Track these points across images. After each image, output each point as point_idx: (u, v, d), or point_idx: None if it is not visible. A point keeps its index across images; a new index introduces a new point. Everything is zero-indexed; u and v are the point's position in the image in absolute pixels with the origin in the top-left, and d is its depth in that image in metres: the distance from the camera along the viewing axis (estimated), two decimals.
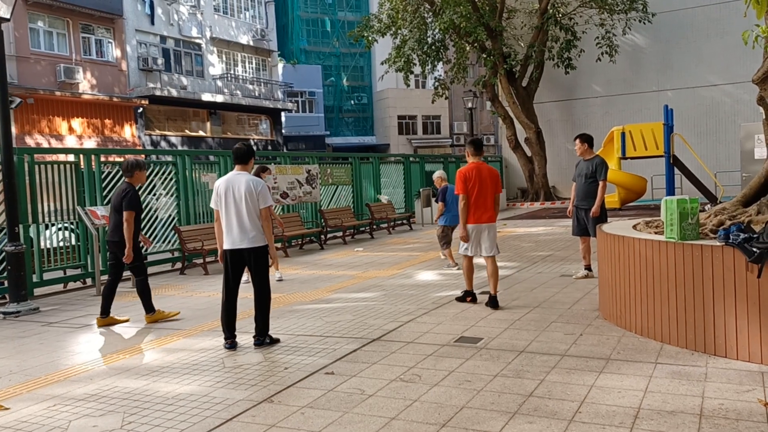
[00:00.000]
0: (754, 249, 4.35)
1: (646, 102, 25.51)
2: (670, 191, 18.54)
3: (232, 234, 5.65)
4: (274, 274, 9.63)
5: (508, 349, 5.21)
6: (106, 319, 7.08)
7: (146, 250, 10.06)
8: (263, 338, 5.73)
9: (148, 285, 7.19)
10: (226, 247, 5.71)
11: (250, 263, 5.68)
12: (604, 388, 4.19)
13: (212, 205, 5.88)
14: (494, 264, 6.88)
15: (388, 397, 4.25)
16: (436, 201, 10.50)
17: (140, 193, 10.86)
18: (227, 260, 5.72)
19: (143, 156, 17.02)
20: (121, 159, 12.76)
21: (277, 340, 5.85)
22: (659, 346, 5.04)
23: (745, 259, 4.42)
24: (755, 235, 4.48)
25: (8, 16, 7.83)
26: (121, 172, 10.96)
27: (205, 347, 5.84)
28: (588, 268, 8.35)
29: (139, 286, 7.16)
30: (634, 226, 6.24)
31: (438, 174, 10.88)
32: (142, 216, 8.23)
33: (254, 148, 28.48)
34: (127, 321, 7.18)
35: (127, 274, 7.84)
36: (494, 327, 5.98)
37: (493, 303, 6.82)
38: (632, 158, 19.92)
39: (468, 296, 7.21)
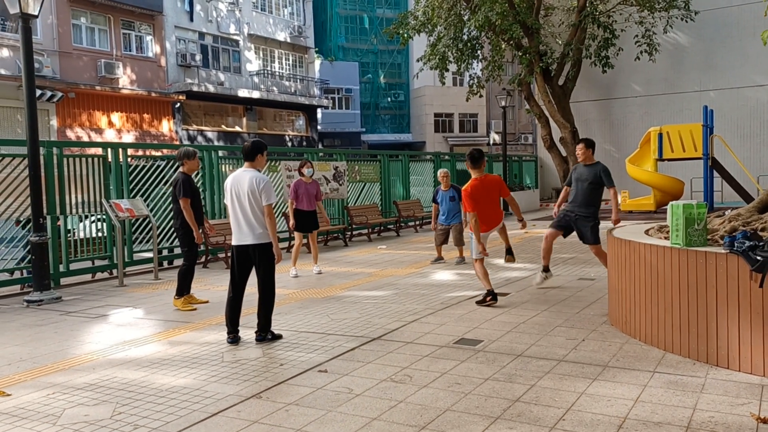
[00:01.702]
0: (758, 257, 4.19)
1: (687, 102, 24.83)
2: (709, 194, 18.01)
3: (239, 230, 5.75)
4: (312, 269, 10.02)
5: (506, 353, 5.14)
6: (187, 296, 7.68)
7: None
8: (264, 334, 5.79)
9: (188, 273, 7.63)
10: (233, 243, 5.82)
11: (255, 260, 5.75)
12: (594, 396, 4.10)
13: (225, 201, 5.99)
14: (504, 228, 7.50)
15: (375, 397, 4.24)
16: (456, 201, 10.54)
17: (164, 185, 11.20)
18: (233, 256, 5.81)
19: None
20: (149, 153, 13.04)
21: (280, 336, 5.89)
22: (661, 355, 4.91)
23: (749, 268, 4.27)
24: (761, 243, 4.32)
25: (36, 13, 8.06)
26: (148, 166, 11.24)
27: (209, 341, 5.92)
28: (546, 269, 8.21)
29: (181, 269, 7.63)
30: (647, 231, 6.08)
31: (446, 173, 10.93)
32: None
33: (289, 143, 28.59)
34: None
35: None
36: (497, 329, 5.91)
37: (510, 252, 7.66)
38: (669, 160, 19.43)
39: (489, 296, 7.04)
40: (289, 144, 32.42)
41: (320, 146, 35.28)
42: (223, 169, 12.68)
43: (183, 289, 7.57)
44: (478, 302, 7.13)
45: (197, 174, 12.10)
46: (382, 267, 10.49)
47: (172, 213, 7.93)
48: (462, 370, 4.73)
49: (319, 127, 36.10)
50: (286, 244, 13.47)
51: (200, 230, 7.75)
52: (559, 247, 12.31)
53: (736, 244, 4.40)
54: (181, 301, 7.51)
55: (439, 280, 8.93)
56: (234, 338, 5.80)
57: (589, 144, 7.96)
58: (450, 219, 10.63)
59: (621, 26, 23.71)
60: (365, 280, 9.13)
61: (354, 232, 15.52)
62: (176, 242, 11.62)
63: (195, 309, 7.43)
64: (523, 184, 26.38)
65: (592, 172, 7.77)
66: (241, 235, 5.77)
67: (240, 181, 5.74)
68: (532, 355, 5.07)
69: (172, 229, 8.03)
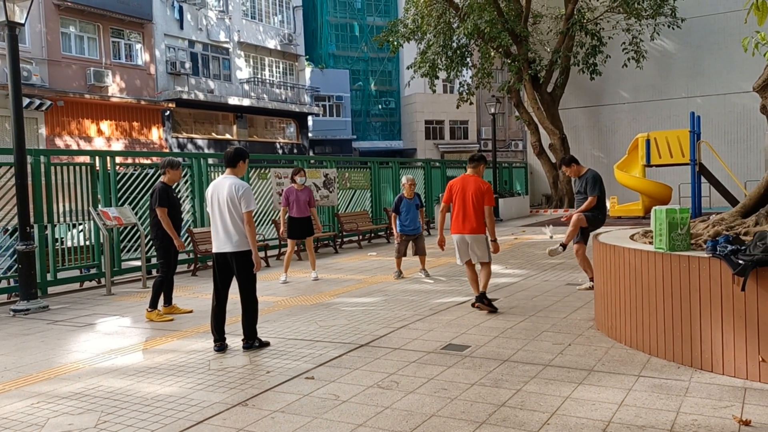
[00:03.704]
0: (740, 261, 4.23)
1: (675, 109, 25.03)
2: (697, 200, 18.12)
3: (218, 237, 5.74)
4: (310, 275, 10.05)
5: (493, 358, 5.16)
6: (168, 308, 7.61)
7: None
8: (251, 341, 5.78)
9: (162, 285, 7.53)
10: (213, 250, 5.80)
11: (233, 267, 5.75)
12: (579, 400, 4.12)
13: (207, 209, 5.99)
14: (488, 268, 7.15)
15: (361, 403, 4.24)
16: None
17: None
18: (214, 264, 5.81)
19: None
20: (138, 161, 13.02)
21: (267, 344, 5.88)
22: (646, 359, 4.93)
23: (731, 272, 4.31)
24: (743, 247, 4.36)
25: (22, 21, 8.04)
26: (136, 174, 11.21)
27: (196, 349, 5.90)
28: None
29: (156, 280, 7.57)
30: (632, 236, 6.13)
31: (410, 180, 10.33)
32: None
33: (280, 151, 28.44)
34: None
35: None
36: (484, 335, 5.93)
37: (480, 299, 7.03)
38: (657, 166, 19.55)
39: (477, 301, 7.13)
40: (280, 151, 32.40)
41: (311, 153, 35.28)
42: (213, 177, 12.66)
43: (156, 301, 7.42)
44: (473, 305, 7.20)
45: (186, 181, 12.09)
46: (371, 274, 10.49)
47: (150, 223, 7.81)
48: (449, 376, 4.74)
49: (309, 135, 36.11)
50: (275, 252, 13.48)
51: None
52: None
53: (718, 248, 4.45)
54: (155, 313, 7.35)
55: (428, 287, 8.94)
56: (221, 346, 5.78)
57: (566, 162, 8.15)
58: (416, 226, 10.13)
59: (608, 33, 23.93)
60: (355, 287, 9.13)
61: (344, 239, 15.52)
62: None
63: (172, 320, 7.32)
64: (513, 190, 26.49)
65: (581, 183, 7.91)
66: (219, 243, 5.77)
67: (220, 188, 5.75)
68: (518, 360, 5.09)
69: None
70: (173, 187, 7.82)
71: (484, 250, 7.03)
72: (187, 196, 12.15)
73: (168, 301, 7.67)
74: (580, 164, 8.16)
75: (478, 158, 7.25)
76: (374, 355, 5.42)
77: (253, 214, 5.74)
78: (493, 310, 6.93)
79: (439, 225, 7.41)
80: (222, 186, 5.73)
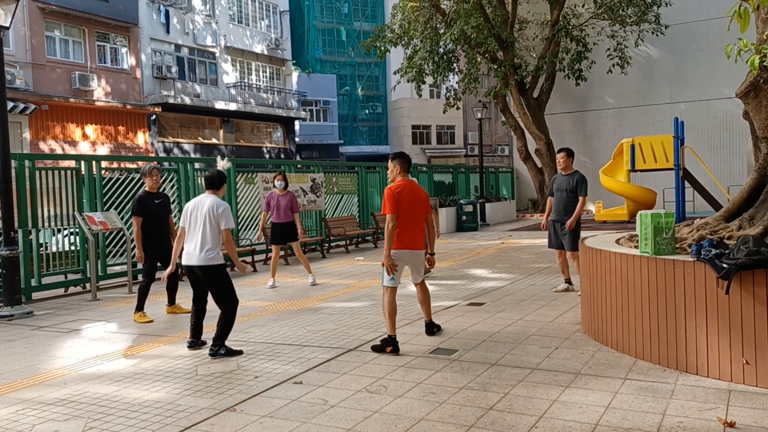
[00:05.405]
0: (724, 265, 4.29)
1: (659, 114, 25.30)
2: (681, 204, 18.30)
3: (189, 251, 5.87)
4: (307, 278, 10.03)
5: (481, 362, 5.18)
6: (172, 307, 7.96)
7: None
8: (216, 348, 5.69)
9: (147, 289, 7.70)
10: (183, 262, 5.96)
11: (204, 281, 5.87)
12: (566, 403, 4.15)
13: (180, 223, 6.03)
14: (425, 288, 6.22)
15: (350, 407, 4.25)
16: None
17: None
18: (187, 275, 6.02)
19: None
20: (123, 166, 12.93)
21: (239, 352, 5.76)
22: (632, 362, 4.98)
23: (715, 275, 4.36)
24: (727, 251, 4.42)
25: (7, 25, 7.98)
26: (122, 179, 11.15)
27: (182, 354, 5.87)
28: (568, 281, 8.32)
29: (140, 285, 7.73)
30: (618, 240, 6.18)
31: None
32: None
33: (267, 155, 28.31)
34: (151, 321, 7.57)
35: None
36: (472, 339, 5.95)
37: (430, 330, 6.17)
38: (642, 171, 19.73)
39: (389, 345, 5.59)
40: (267, 156, 32.32)
41: (298, 158, 35.23)
42: (200, 182, 12.60)
43: (142, 304, 7.62)
44: (374, 348, 5.70)
45: (173, 186, 12.03)
46: (359, 278, 10.49)
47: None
48: (437, 380, 4.76)
49: (297, 139, 36.05)
50: (263, 256, 13.43)
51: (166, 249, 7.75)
52: (534, 257, 12.45)
53: (702, 252, 4.50)
54: (138, 315, 7.58)
55: (416, 291, 8.93)
56: (192, 344, 5.99)
57: (570, 153, 8.16)
58: None
59: (593, 40, 24.15)
60: (342, 292, 9.13)
61: (332, 244, 15.51)
62: None
63: (152, 321, 7.50)
64: (500, 195, 26.62)
65: (570, 181, 7.98)
66: (188, 256, 5.89)
67: (201, 204, 5.92)
68: (506, 363, 5.11)
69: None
70: (157, 192, 7.86)
71: (423, 267, 6.12)
72: (174, 201, 12.08)
73: (171, 301, 7.98)
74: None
75: (410, 160, 6.04)
76: (362, 359, 5.42)
77: (231, 232, 5.90)
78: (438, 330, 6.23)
79: (387, 241, 5.70)
80: (203, 202, 5.92)
